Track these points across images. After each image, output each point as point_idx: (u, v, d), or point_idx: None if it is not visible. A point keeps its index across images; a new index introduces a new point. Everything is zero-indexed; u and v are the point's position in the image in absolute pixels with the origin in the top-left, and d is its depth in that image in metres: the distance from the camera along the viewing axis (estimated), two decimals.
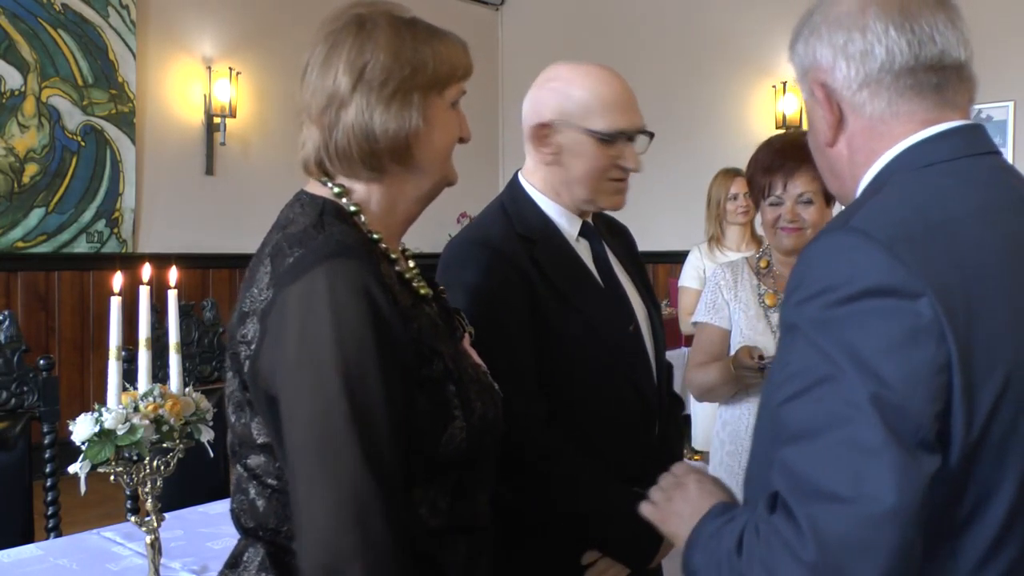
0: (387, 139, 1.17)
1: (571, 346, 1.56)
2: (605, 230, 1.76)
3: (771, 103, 6.52)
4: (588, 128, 1.56)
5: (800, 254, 1.02)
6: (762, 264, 2.33)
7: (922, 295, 0.90)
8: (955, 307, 0.91)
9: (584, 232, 1.66)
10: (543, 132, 1.59)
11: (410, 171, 1.21)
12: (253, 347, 1.11)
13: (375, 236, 1.20)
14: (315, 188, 1.22)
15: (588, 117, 1.55)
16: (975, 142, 1.06)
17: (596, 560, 1.57)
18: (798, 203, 2.15)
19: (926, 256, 0.93)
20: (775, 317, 2.24)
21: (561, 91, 1.58)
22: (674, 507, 1.16)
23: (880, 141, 1.07)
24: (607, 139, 1.56)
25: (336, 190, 1.20)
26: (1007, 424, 0.94)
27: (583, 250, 1.66)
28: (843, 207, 1.15)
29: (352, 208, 1.20)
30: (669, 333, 4.94)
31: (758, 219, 2.42)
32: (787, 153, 2.15)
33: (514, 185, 1.68)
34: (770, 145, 2.25)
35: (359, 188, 1.21)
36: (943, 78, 1.05)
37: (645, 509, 1.21)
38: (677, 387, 5.20)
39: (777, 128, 6.27)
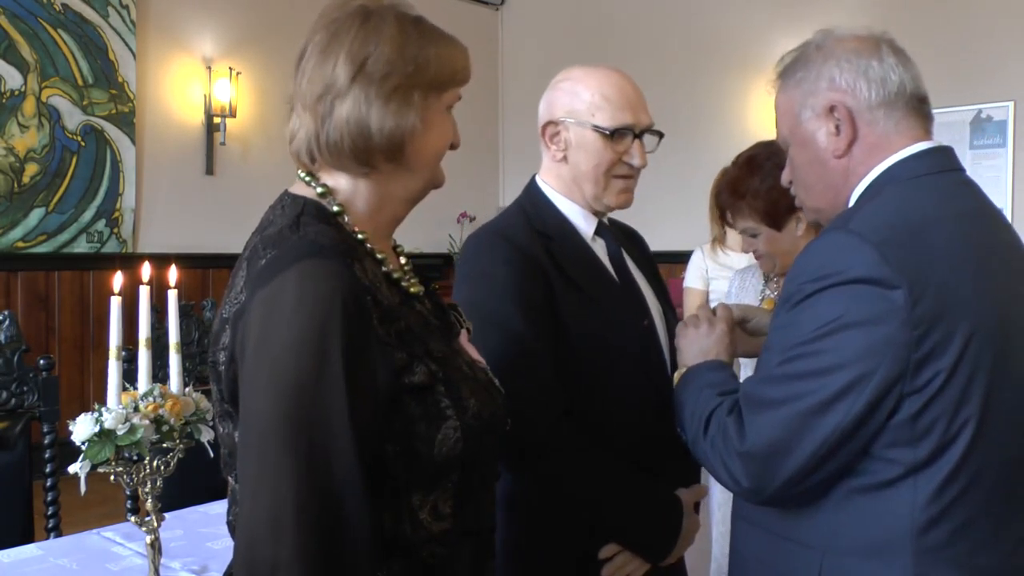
0: (383, 136, 1.14)
1: (586, 338, 1.59)
2: (619, 234, 1.82)
3: (771, 103, 6.50)
4: (593, 124, 1.63)
5: (806, 246, 1.25)
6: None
7: (899, 288, 1.14)
8: (924, 295, 1.15)
9: (599, 231, 1.73)
10: (554, 130, 1.67)
11: (400, 171, 1.18)
12: (226, 352, 1.09)
13: (360, 236, 1.17)
14: (299, 188, 1.20)
15: (594, 114, 1.63)
16: (948, 160, 1.31)
17: (614, 555, 1.57)
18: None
19: (907, 254, 1.17)
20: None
21: (570, 90, 1.66)
22: (687, 342, 1.52)
23: (879, 154, 1.29)
24: (609, 134, 1.63)
25: (320, 190, 1.17)
26: (962, 385, 1.17)
27: (599, 248, 1.72)
28: (816, 221, 1.42)
29: (335, 208, 1.17)
30: None
31: None
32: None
33: (531, 186, 1.75)
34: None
35: (345, 185, 1.18)
36: (927, 106, 1.33)
37: (679, 329, 1.57)
38: None
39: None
